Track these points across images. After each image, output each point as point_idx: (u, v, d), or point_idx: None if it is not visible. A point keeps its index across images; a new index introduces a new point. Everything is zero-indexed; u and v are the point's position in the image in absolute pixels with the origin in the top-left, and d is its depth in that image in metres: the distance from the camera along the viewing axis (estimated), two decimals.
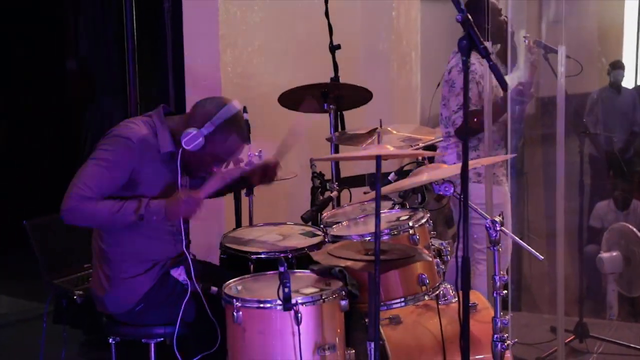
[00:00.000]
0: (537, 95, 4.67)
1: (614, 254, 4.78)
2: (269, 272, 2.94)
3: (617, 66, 6.71)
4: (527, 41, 4.11)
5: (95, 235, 3.07)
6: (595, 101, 6.55)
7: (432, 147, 4.26)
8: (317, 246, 3.15)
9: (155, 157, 2.95)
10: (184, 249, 3.03)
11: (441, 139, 4.20)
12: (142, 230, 2.97)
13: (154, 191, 2.96)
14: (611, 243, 4.81)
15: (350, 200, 3.76)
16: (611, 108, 6.58)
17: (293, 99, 3.81)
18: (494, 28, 4.05)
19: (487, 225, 2.70)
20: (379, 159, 2.51)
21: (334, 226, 3.20)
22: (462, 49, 2.28)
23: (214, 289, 2.89)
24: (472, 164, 2.66)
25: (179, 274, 3.07)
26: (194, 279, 3.00)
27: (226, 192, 3.46)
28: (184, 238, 3.04)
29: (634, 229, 4.72)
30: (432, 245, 3.09)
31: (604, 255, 4.78)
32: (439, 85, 4.33)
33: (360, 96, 3.90)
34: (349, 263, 2.66)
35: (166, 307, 3.01)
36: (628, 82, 6.93)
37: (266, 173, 3.28)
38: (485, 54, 2.30)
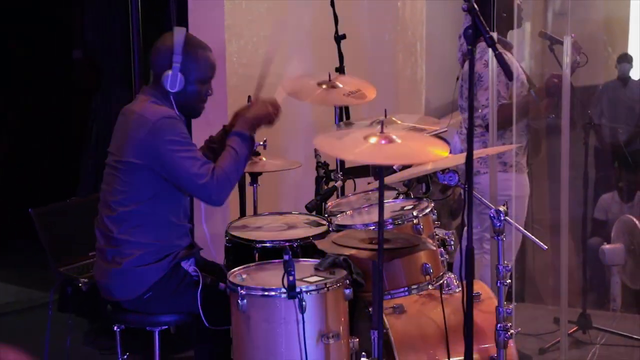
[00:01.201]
0: (542, 87, 4.67)
1: (617, 245, 4.79)
2: (273, 261, 2.95)
3: (624, 59, 6.69)
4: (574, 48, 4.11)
5: (106, 223, 3.05)
6: (601, 93, 6.55)
7: (437, 138, 4.26)
8: (322, 235, 3.16)
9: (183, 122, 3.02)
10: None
11: (446, 129, 4.19)
12: (162, 219, 2.99)
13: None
14: (617, 235, 4.82)
15: (354, 190, 3.77)
16: (617, 100, 6.57)
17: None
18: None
19: (492, 215, 2.70)
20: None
21: (338, 215, 3.21)
22: (467, 38, 2.29)
23: (223, 285, 2.90)
24: (477, 153, 2.67)
25: (189, 265, 3.09)
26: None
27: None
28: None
29: (637, 221, 4.73)
30: (436, 235, 3.10)
31: (606, 247, 4.78)
32: (458, 78, 4.32)
33: (362, 86, 3.88)
34: (353, 252, 2.67)
35: (174, 297, 3.02)
36: (634, 74, 6.91)
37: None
38: (490, 43, 2.31)
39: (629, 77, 6.66)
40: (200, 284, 2.99)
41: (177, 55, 2.96)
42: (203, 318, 2.96)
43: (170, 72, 2.96)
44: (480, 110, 4.07)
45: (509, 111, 3.92)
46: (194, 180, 2.88)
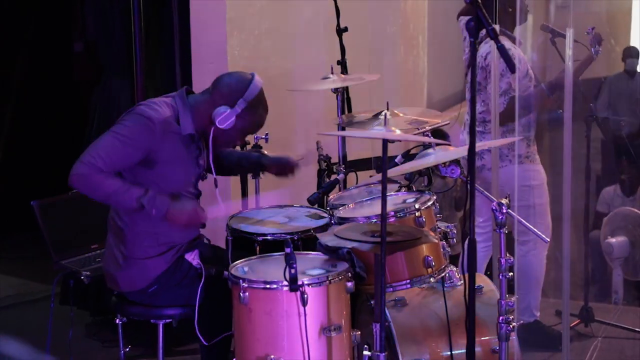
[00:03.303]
0: (545, 80, 4.66)
1: (622, 239, 4.79)
2: (275, 254, 2.95)
3: (633, 53, 6.67)
4: (591, 35, 4.12)
5: (113, 214, 3.08)
6: (606, 86, 6.55)
7: (439, 131, 4.27)
8: (323, 228, 3.16)
9: (175, 138, 3.00)
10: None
11: (448, 122, 4.19)
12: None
13: (172, 170, 3.02)
14: (615, 227, 4.81)
15: (356, 183, 3.77)
16: (623, 93, 6.57)
17: None
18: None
19: (494, 208, 2.70)
20: (385, 141, 2.52)
21: (340, 208, 3.21)
22: (470, 30, 2.28)
23: (227, 273, 2.90)
24: (479, 146, 2.67)
25: (192, 257, 3.09)
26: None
27: (239, 173, 3.51)
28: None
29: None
30: (439, 228, 3.10)
31: (613, 240, 4.78)
32: (466, 74, 4.32)
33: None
34: (355, 244, 2.67)
35: (178, 289, 3.04)
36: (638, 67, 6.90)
37: (284, 169, 3.37)
38: (493, 36, 2.30)
39: (636, 71, 6.65)
40: (203, 279, 2.99)
41: (243, 102, 3.01)
42: (196, 323, 2.96)
43: (228, 111, 3.00)
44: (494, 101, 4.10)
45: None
46: (84, 154, 2.91)
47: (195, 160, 3.09)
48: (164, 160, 2.98)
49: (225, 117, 2.99)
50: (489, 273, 4.08)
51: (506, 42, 3.99)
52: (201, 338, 2.96)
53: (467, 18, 4.15)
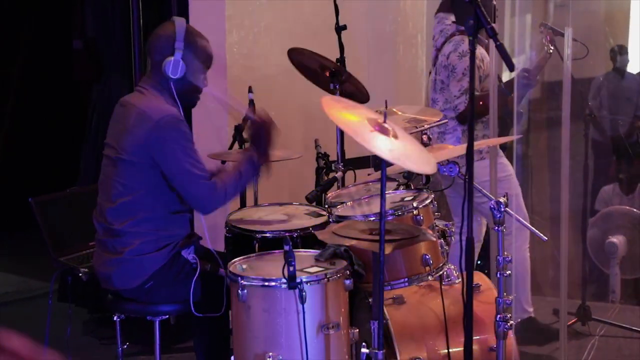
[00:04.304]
0: (543, 79, 4.66)
1: (622, 237, 4.80)
2: (274, 251, 2.96)
3: (624, 52, 6.69)
4: (547, 37, 4.11)
5: (106, 214, 3.05)
6: (599, 85, 6.54)
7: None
8: (322, 226, 3.16)
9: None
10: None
11: (446, 121, 4.20)
12: (161, 209, 2.99)
13: None
14: (612, 226, 4.82)
15: (354, 181, 3.77)
16: (615, 92, 6.57)
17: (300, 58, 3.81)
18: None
19: (492, 206, 2.70)
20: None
21: (338, 206, 3.21)
22: (469, 29, 2.28)
23: (222, 270, 2.90)
24: (477, 144, 2.67)
25: (189, 253, 3.09)
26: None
27: None
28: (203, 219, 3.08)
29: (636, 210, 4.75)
30: (436, 226, 3.10)
31: (614, 239, 4.79)
32: (430, 73, 4.35)
33: (359, 92, 3.89)
34: (353, 242, 2.67)
35: (174, 286, 3.03)
36: (633, 67, 6.91)
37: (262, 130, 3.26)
38: (492, 34, 2.30)
39: (626, 70, 6.66)
40: (197, 272, 2.99)
41: (179, 42, 2.99)
42: (192, 307, 2.97)
43: (172, 59, 2.98)
44: (452, 102, 4.11)
45: (485, 100, 3.94)
46: (190, 182, 2.91)
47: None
48: None
49: (174, 65, 2.97)
50: (486, 271, 4.09)
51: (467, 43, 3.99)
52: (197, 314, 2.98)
53: (443, 16, 4.20)
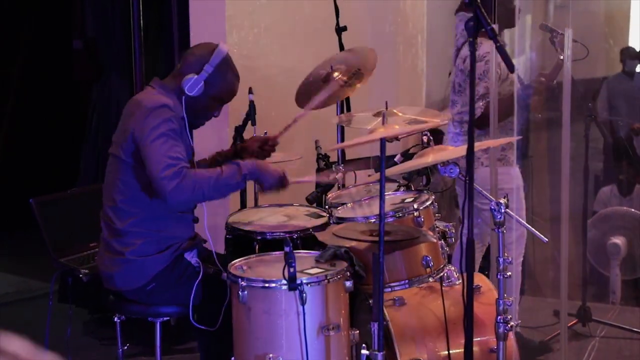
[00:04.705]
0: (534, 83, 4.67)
1: (622, 238, 4.80)
2: (274, 253, 2.95)
3: (634, 55, 6.67)
4: (557, 41, 4.11)
5: (108, 213, 3.05)
6: (607, 86, 6.55)
7: (438, 131, 4.27)
8: (322, 227, 3.16)
9: (178, 121, 2.98)
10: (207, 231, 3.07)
11: (447, 122, 4.19)
12: (163, 210, 2.98)
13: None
14: (612, 227, 4.83)
15: (355, 182, 3.77)
16: (621, 94, 6.57)
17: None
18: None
19: (492, 207, 2.70)
20: (383, 141, 2.52)
21: (338, 208, 3.21)
22: (469, 30, 2.28)
23: (225, 274, 2.89)
24: (477, 145, 2.67)
25: (192, 256, 3.09)
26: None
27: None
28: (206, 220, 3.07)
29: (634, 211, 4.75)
30: (437, 227, 3.10)
31: (616, 240, 4.79)
32: (450, 74, 4.31)
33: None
34: (353, 244, 2.67)
35: (176, 288, 3.02)
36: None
37: (263, 147, 3.32)
38: (492, 35, 2.30)
39: (635, 72, 6.66)
40: (200, 276, 2.99)
41: (210, 66, 3.00)
42: (191, 315, 2.96)
43: (195, 77, 2.98)
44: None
45: (500, 106, 3.93)
46: (157, 170, 2.82)
47: (189, 146, 3.07)
48: (183, 145, 2.97)
49: (193, 84, 2.97)
50: (486, 273, 4.08)
51: (487, 47, 3.97)
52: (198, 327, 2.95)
53: (464, 15, 4.15)
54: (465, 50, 4.08)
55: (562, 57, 4.10)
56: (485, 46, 3.93)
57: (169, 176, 2.81)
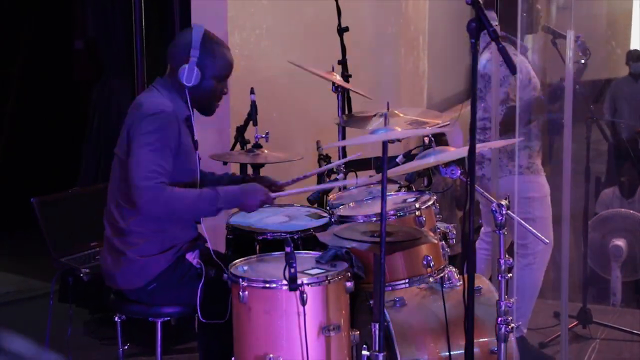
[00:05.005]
0: (545, 81, 4.66)
1: (623, 241, 4.80)
2: (275, 253, 2.95)
3: (637, 57, 6.67)
4: (579, 42, 4.11)
5: (112, 212, 3.05)
6: (612, 89, 6.56)
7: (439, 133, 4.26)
8: (323, 227, 3.16)
9: (181, 125, 2.98)
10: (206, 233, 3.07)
11: (448, 123, 4.19)
12: None
13: (185, 160, 2.99)
14: (613, 229, 4.83)
15: (356, 183, 3.76)
16: (626, 97, 6.58)
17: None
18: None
19: (493, 209, 2.70)
20: (385, 142, 2.52)
21: (340, 207, 3.21)
22: (470, 31, 2.28)
23: (226, 275, 2.89)
24: (478, 147, 2.66)
25: (193, 257, 3.09)
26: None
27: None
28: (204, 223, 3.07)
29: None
30: (438, 228, 3.10)
31: (619, 242, 4.79)
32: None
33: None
34: (354, 244, 2.67)
35: (177, 288, 3.02)
36: None
37: (270, 187, 3.27)
38: (494, 37, 2.30)
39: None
40: (203, 278, 2.99)
41: (194, 50, 2.97)
42: (199, 313, 2.95)
43: (186, 66, 2.96)
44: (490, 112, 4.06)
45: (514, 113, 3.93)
46: (139, 178, 2.82)
47: (193, 145, 3.08)
48: (179, 151, 2.96)
49: (188, 73, 2.95)
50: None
51: (510, 49, 3.97)
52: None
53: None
54: (485, 56, 4.06)
55: (583, 61, 4.09)
56: (510, 51, 3.93)
57: (146, 187, 2.81)
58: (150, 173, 2.82)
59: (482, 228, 4.41)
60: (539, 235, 3.01)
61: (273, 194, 3.06)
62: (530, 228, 3.06)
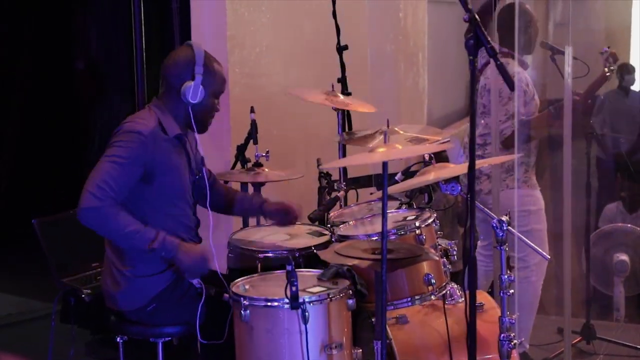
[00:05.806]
0: (545, 97, 4.67)
1: (626, 256, 4.80)
2: (276, 271, 2.95)
3: (629, 70, 6.68)
4: (605, 54, 4.15)
5: None
6: (602, 103, 6.54)
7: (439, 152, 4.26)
8: (324, 245, 3.16)
9: (166, 146, 2.99)
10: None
11: (448, 139, 4.19)
12: (164, 230, 2.97)
13: (170, 180, 3.00)
14: (615, 244, 4.82)
15: (357, 200, 3.77)
16: (619, 110, 6.57)
17: None
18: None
19: (494, 225, 2.70)
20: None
21: (340, 226, 3.21)
22: (469, 48, 2.29)
23: (227, 296, 2.88)
24: (478, 163, 2.67)
25: None
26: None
27: (240, 215, 3.53)
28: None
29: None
30: (439, 245, 3.10)
31: (623, 257, 4.78)
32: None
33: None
34: (355, 262, 2.67)
35: (177, 308, 3.01)
36: (635, 84, 6.91)
37: (286, 219, 3.32)
38: (492, 54, 2.31)
39: (630, 88, 6.66)
40: (203, 297, 2.98)
41: (199, 67, 2.99)
42: (198, 334, 2.94)
43: (192, 83, 2.97)
44: (497, 127, 4.07)
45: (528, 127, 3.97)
46: (91, 186, 2.84)
47: (187, 165, 3.08)
48: (160, 171, 2.96)
49: (194, 90, 2.96)
50: (490, 290, 4.08)
51: (515, 67, 4.00)
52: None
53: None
54: (492, 70, 4.07)
55: (607, 73, 4.11)
56: (513, 66, 3.96)
57: (93, 195, 2.82)
58: (103, 184, 2.83)
59: (479, 242, 4.42)
60: (540, 250, 3.01)
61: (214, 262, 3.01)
62: (531, 243, 3.06)
